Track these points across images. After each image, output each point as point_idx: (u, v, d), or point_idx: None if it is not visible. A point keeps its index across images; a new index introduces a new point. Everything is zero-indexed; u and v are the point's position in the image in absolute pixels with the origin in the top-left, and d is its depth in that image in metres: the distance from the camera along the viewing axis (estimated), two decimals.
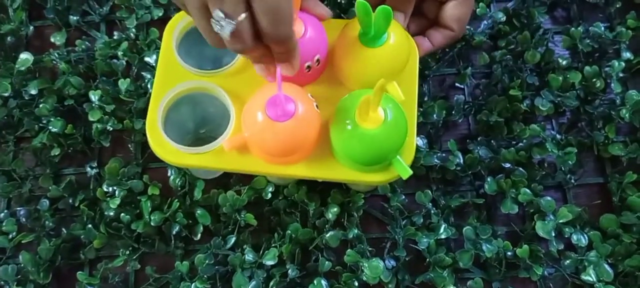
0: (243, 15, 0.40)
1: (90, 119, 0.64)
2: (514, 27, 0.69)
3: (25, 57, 0.67)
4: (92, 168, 0.64)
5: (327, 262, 0.59)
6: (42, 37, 0.71)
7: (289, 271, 0.59)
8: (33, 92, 0.66)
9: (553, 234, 0.59)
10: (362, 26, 0.50)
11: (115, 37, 0.69)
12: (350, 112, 0.49)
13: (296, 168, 0.52)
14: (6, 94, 0.66)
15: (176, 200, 0.61)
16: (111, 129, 0.65)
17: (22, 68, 0.66)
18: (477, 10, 0.68)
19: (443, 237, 0.60)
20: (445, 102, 0.66)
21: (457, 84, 0.68)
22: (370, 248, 0.60)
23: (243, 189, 0.62)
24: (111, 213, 0.61)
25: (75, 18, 0.70)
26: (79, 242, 0.62)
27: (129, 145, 0.65)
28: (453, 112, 0.65)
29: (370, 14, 0.48)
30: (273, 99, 0.48)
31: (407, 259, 0.60)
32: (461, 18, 0.56)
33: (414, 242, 0.60)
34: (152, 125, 0.53)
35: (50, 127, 0.64)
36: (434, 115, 0.65)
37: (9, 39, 0.70)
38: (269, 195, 0.61)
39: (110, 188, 0.62)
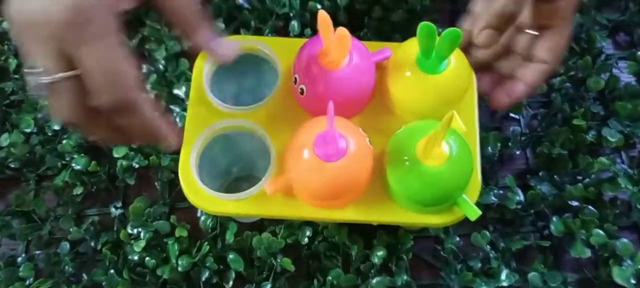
0: (61, 75, 0.35)
1: (115, 155, 0.60)
2: (573, 53, 0.63)
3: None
4: (116, 208, 0.59)
5: None
6: None
7: None
8: (56, 127, 0.62)
9: (633, 281, 0.52)
10: (423, 50, 0.44)
11: (144, 70, 0.65)
12: (409, 147, 0.43)
13: (347, 212, 0.46)
14: (28, 130, 0.62)
15: (206, 243, 0.56)
16: (137, 165, 0.60)
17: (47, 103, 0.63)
18: None
19: (505, 284, 0.53)
20: (499, 133, 0.60)
21: (511, 114, 0.62)
22: None
23: (279, 230, 0.56)
24: (135, 258, 0.56)
25: None
26: None
27: (156, 183, 0.60)
28: (509, 144, 0.59)
29: (434, 37, 0.42)
30: (322, 135, 0.43)
31: None
32: (556, 48, 0.48)
33: None
34: (185, 170, 0.47)
35: (74, 165, 0.60)
36: (489, 148, 0.58)
37: None
38: (306, 240, 0.56)
39: (135, 230, 0.57)
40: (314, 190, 0.44)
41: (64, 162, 0.61)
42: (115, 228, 0.58)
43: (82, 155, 0.60)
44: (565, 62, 0.62)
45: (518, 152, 0.60)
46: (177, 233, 0.57)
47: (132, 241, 0.56)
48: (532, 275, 0.53)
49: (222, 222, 0.57)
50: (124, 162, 0.60)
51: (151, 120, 0.40)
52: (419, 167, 0.43)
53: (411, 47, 0.46)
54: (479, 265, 0.55)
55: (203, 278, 0.55)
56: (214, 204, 0.47)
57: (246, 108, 0.49)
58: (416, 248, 0.56)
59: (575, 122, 0.58)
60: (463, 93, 0.48)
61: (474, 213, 0.44)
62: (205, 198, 0.47)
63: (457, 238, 0.56)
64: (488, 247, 0.55)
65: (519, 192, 0.57)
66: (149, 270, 0.55)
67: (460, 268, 0.54)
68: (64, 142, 0.61)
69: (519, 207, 0.56)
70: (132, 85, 0.37)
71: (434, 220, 0.45)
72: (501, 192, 0.57)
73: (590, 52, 0.62)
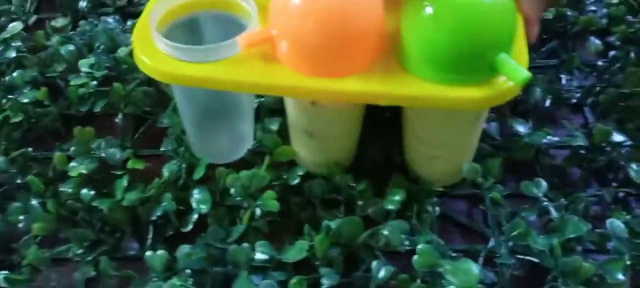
0: None
1: (72, 83, 0.49)
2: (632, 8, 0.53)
3: (14, 24, 0.54)
4: (62, 150, 0.46)
5: (384, 268, 0.37)
6: (43, 27, 0.59)
7: (324, 279, 0.37)
8: (12, 55, 0.52)
9: None
10: None
11: (128, 24, 0.56)
12: None
13: (349, 82, 0.34)
14: None
15: (165, 180, 0.42)
16: (94, 91, 0.48)
17: (7, 35, 0.53)
18: None
19: (572, 235, 0.37)
20: (550, 86, 0.47)
21: (562, 76, 0.50)
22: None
23: (261, 169, 0.42)
24: (69, 189, 0.42)
25: (84, 3, 0.59)
26: (17, 235, 0.42)
27: (116, 120, 0.48)
28: (563, 94, 0.47)
29: None
30: None
31: (515, 274, 0.37)
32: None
33: (524, 252, 0.38)
34: (142, 27, 0.37)
35: (21, 99, 0.48)
36: (537, 92, 0.46)
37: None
38: (297, 180, 0.42)
39: (77, 162, 0.44)
40: (302, 36, 0.33)
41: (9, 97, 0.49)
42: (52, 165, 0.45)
43: (33, 89, 0.49)
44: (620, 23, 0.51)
45: (574, 100, 0.47)
46: (130, 165, 0.44)
47: (69, 168, 0.43)
48: (612, 221, 0.37)
49: (192, 162, 0.44)
50: (82, 90, 0.48)
51: None
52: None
53: None
54: (535, 216, 0.39)
55: (153, 217, 0.40)
56: (171, 64, 0.35)
57: None
58: (444, 209, 0.41)
59: None
60: None
61: (520, 77, 0.31)
62: (161, 59, 0.35)
63: (501, 188, 0.41)
64: (545, 199, 0.40)
65: (582, 135, 0.43)
66: (84, 204, 0.41)
67: (507, 227, 0.39)
68: (15, 74, 0.50)
69: (582, 151, 0.43)
70: None
71: (464, 92, 0.33)
72: (556, 138, 0.43)
73: None
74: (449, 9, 0.31)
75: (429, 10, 0.32)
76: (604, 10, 0.53)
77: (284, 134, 0.43)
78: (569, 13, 0.52)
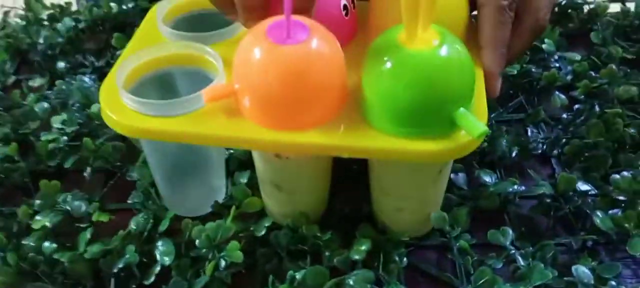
0: None
1: (42, 138, 0.49)
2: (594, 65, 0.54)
3: None
4: (29, 205, 0.46)
5: None
6: (21, 87, 0.60)
7: None
8: None
9: None
10: None
11: None
12: (390, 37, 0.34)
13: (311, 135, 0.34)
14: None
15: (129, 231, 0.42)
16: (64, 146, 0.48)
17: None
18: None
19: (539, 282, 0.37)
20: (516, 138, 0.48)
21: (529, 128, 0.51)
22: None
23: (227, 220, 0.42)
24: (31, 243, 0.41)
25: (62, 64, 0.60)
26: None
27: (84, 174, 0.48)
28: (529, 145, 0.47)
29: None
30: (277, 22, 0.34)
31: None
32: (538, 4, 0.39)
33: None
34: (109, 83, 0.38)
35: None
36: (503, 144, 0.47)
37: None
38: (263, 231, 0.41)
39: (41, 215, 0.43)
40: (263, 90, 0.33)
41: None
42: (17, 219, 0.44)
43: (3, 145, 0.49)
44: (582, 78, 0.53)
45: (539, 151, 0.48)
46: (96, 218, 0.43)
47: (33, 220, 0.42)
48: (577, 268, 0.37)
49: (158, 214, 0.43)
50: (52, 145, 0.48)
51: None
52: (401, 53, 0.32)
53: None
54: (501, 265, 0.39)
55: (115, 269, 0.40)
56: (137, 119, 0.35)
57: (203, 35, 0.40)
58: (412, 259, 0.41)
59: (610, 112, 0.47)
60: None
61: (476, 130, 0.32)
62: (126, 114, 0.36)
63: (468, 236, 0.41)
64: (511, 247, 0.40)
65: (547, 184, 0.43)
66: (45, 257, 0.40)
67: (474, 275, 0.39)
68: None
69: (548, 200, 0.43)
70: None
71: (426, 145, 0.33)
72: (523, 186, 0.44)
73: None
74: (408, 64, 0.32)
75: (388, 64, 0.33)
76: (569, 67, 0.54)
77: (254, 186, 0.43)
78: (533, 69, 0.54)
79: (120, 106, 0.36)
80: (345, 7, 0.39)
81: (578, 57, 0.55)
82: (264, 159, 0.39)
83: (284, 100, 0.33)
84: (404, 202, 0.39)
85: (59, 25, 0.63)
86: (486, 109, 0.35)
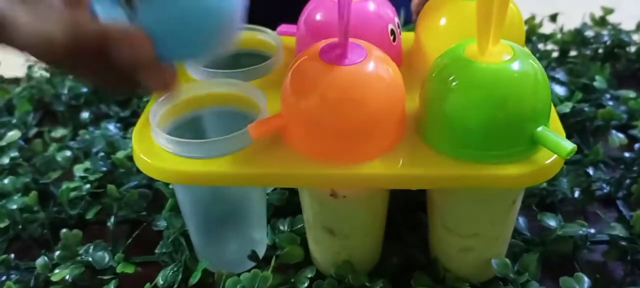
0: None
1: (64, 186, 0.45)
2: None
3: (12, 133, 0.53)
4: (48, 257, 0.42)
5: None
6: (43, 138, 0.57)
7: None
8: (5, 161, 0.49)
9: None
10: None
11: (130, 131, 0.54)
12: (457, 52, 0.31)
13: (372, 166, 0.31)
14: None
15: (154, 285, 0.38)
16: (87, 194, 0.45)
17: (4, 143, 0.51)
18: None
19: None
20: (576, 179, 0.44)
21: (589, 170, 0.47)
22: None
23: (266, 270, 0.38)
24: None
25: (86, 115, 0.57)
26: None
27: (108, 224, 0.44)
28: (591, 186, 0.43)
29: None
30: (331, 44, 0.31)
31: None
32: None
33: None
34: (142, 126, 0.35)
35: (9, 205, 0.45)
36: (564, 185, 0.43)
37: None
38: (306, 282, 0.37)
39: (61, 267, 0.39)
40: (317, 121, 0.30)
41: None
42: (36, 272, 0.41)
43: (23, 195, 0.46)
44: None
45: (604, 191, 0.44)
46: (120, 269, 0.39)
47: (51, 273, 0.39)
48: None
49: (187, 266, 0.39)
50: (74, 193, 0.45)
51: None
52: (472, 68, 0.29)
53: None
54: None
55: None
56: (174, 161, 0.32)
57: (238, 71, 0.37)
58: None
59: None
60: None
61: (564, 149, 0.28)
62: (162, 154, 0.32)
63: (537, 285, 0.36)
64: None
65: (620, 227, 0.39)
66: None
67: None
68: (7, 180, 0.47)
69: (623, 243, 0.38)
70: None
71: (503, 169, 0.30)
72: (591, 230, 0.39)
73: None
74: (481, 78, 0.29)
75: (457, 80, 0.30)
76: (622, 107, 0.51)
77: (296, 233, 0.40)
78: (586, 108, 0.50)
79: (155, 149, 0.33)
80: (392, 31, 0.36)
81: (632, 94, 0.51)
82: (316, 200, 0.35)
83: (341, 126, 0.30)
84: (472, 241, 0.35)
85: None
86: (562, 128, 0.32)
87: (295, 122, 0.31)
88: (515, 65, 0.29)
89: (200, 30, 0.29)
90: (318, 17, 0.36)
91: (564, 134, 0.31)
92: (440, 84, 0.30)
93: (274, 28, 0.40)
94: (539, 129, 0.30)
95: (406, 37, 0.39)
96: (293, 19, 0.39)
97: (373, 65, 0.30)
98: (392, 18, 0.36)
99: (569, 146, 0.28)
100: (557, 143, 0.29)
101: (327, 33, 0.33)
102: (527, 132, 0.29)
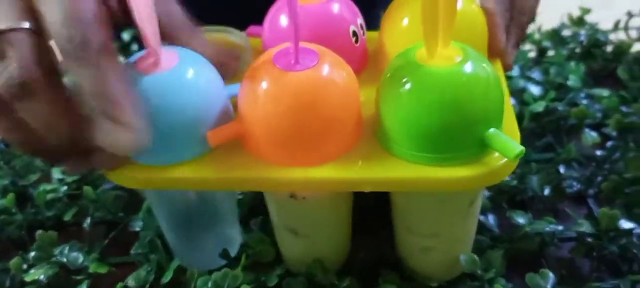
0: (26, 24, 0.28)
1: (40, 189, 0.46)
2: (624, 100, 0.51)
3: None
4: (24, 258, 0.43)
5: None
6: None
7: None
8: None
9: None
10: None
11: None
12: (409, 55, 0.31)
13: (327, 169, 0.31)
14: None
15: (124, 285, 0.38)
16: (64, 196, 0.45)
17: None
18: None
19: None
20: (548, 176, 0.44)
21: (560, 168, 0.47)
22: None
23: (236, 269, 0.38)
24: None
25: None
26: None
27: (84, 225, 0.45)
28: (562, 183, 0.44)
29: None
30: (284, 49, 0.32)
31: None
32: None
33: None
34: None
35: None
36: (534, 183, 0.43)
37: None
38: (276, 280, 0.38)
39: (35, 268, 0.40)
40: (274, 120, 0.30)
41: None
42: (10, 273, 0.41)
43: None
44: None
45: (574, 189, 0.44)
46: (92, 269, 0.40)
47: (25, 272, 0.39)
48: None
49: (162, 265, 0.40)
50: (50, 195, 0.45)
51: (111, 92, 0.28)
52: (422, 71, 0.30)
53: None
54: None
55: None
56: (138, 169, 0.32)
57: None
58: None
59: None
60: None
61: (512, 151, 0.29)
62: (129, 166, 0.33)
63: (503, 281, 0.37)
64: None
65: (587, 223, 0.39)
66: None
67: None
68: None
69: (590, 240, 0.39)
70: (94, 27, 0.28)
71: (457, 171, 0.30)
72: (554, 226, 0.40)
73: None
74: (430, 82, 0.30)
75: (408, 84, 0.30)
76: (596, 105, 0.51)
77: (269, 232, 0.40)
78: (559, 108, 0.51)
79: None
80: (354, 33, 0.37)
81: (606, 93, 0.52)
82: (278, 202, 0.36)
83: (296, 131, 0.31)
84: (432, 241, 0.35)
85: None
86: (518, 129, 0.32)
87: (252, 127, 0.32)
88: (466, 68, 0.29)
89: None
90: (281, 19, 0.37)
91: (518, 136, 0.32)
92: (392, 86, 0.30)
93: (243, 29, 0.41)
94: (490, 131, 0.30)
95: (372, 37, 0.40)
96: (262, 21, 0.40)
97: (326, 70, 0.30)
98: (354, 19, 0.37)
99: (518, 148, 0.29)
100: (505, 145, 0.29)
101: (289, 36, 0.33)
102: (479, 135, 0.30)
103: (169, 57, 0.32)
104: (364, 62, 0.39)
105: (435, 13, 0.28)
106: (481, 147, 0.30)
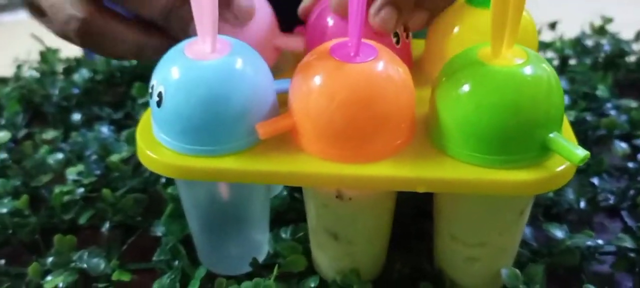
0: None
1: (56, 190, 0.44)
2: None
3: (2, 134, 0.51)
4: (40, 263, 0.40)
5: None
6: (33, 139, 0.55)
7: None
8: None
9: None
10: None
11: (123, 134, 0.52)
12: (470, 54, 0.30)
13: (379, 167, 0.30)
14: None
15: None
16: (80, 198, 0.44)
17: None
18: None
19: None
20: (582, 189, 0.43)
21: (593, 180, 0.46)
22: None
23: (268, 277, 0.37)
24: None
25: (77, 116, 0.56)
26: None
27: (102, 229, 0.43)
28: (597, 197, 0.43)
29: None
30: (341, 42, 0.31)
31: None
32: None
33: None
34: (146, 122, 0.33)
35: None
36: (570, 195, 0.42)
37: None
38: None
39: (54, 274, 0.38)
40: (325, 120, 0.29)
41: None
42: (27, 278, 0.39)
43: (14, 199, 0.45)
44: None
45: (610, 202, 0.43)
46: (115, 276, 0.38)
47: (43, 282, 0.37)
48: None
49: (186, 273, 0.38)
50: (67, 197, 0.43)
51: None
52: (485, 70, 0.29)
53: None
54: None
55: None
56: (179, 158, 0.31)
57: None
58: None
59: None
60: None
61: (576, 156, 0.28)
62: (165, 151, 0.31)
63: None
64: None
65: (626, 237, 0.38)
66: None
67: None
68: None
69: (632, 254, 0.38)
70: None
71: (516, 175, 0.29)
72: (599, 240, 0.39)
73: None
74: (494, 82, 0.28)
75: (469, 83, 0.29)
76: (622, 117, 0.51)
77: (299, 242, 0.38)
78: (588, 118, 0.50)
79: (159, 146, 0.32)
80: (395, 33, 0.36)
81: (634, 104, 0.51)
82: (320, 202, 0.34)
83: (351, 125, 0.29)
84: (478, 251, 0.34)
85: (75, 76, 0.60)
86: (573, 135, 0.31)
87: (303, 120, 0.30)
88: (529, 69, 0.29)
89: None
90: (327, 19, 0.35)
91: (576, 141, 0.31)
92: (451, 86, 0.29)
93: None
94: (552, 135, 0.29)
95: (418, 44, 0.39)
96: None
97: (384, 65, 0.29)
98: None
99: (582, 153, 0.28)
100: (570, 150, 0.28)
101: (333, 36, 0.32)
102: (539, 138, 0.29)
103: (222, 46, 0.31)
104: (408, 66, 0.38)
105: (505, 12, 0.27)
106: (541, 151, 0.29)
